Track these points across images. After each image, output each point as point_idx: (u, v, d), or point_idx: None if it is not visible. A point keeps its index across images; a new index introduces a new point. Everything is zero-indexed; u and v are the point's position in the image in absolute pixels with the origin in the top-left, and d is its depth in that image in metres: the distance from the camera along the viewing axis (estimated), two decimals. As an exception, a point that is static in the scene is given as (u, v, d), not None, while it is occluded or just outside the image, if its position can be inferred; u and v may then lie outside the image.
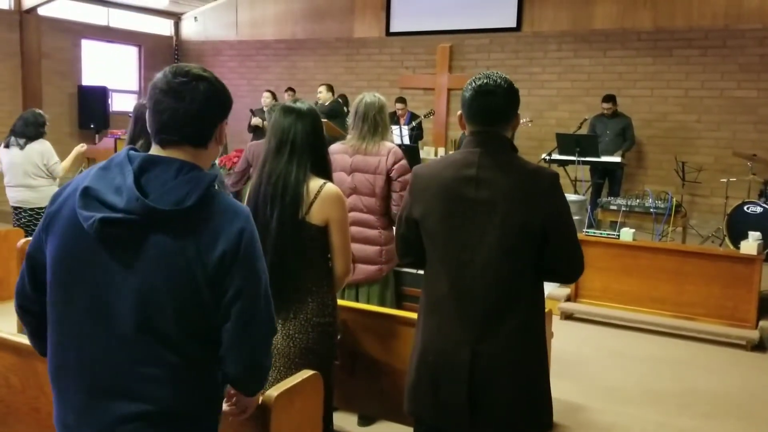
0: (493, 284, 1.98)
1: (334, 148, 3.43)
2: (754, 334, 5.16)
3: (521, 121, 7.89)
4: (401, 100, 9.23)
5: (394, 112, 9.04)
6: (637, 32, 8.70)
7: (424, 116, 9.19)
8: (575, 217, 6.66)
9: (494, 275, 1.97)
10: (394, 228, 3.59)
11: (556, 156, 7.83)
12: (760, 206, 6.63)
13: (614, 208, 6.57)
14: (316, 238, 2.39)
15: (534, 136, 9.16)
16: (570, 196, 7.15)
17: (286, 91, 10.02)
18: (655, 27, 8.59)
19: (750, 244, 5.39)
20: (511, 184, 1.98)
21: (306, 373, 1.94)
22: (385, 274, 3.43)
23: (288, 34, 11.28)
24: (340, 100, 8.97)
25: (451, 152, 3.96)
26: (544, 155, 7.99)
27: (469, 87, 2.05)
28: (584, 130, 8.29)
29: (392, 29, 10.43)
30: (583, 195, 7.77)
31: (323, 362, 2.32)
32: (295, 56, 11.27)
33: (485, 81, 2.02)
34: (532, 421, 2.03)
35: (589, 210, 7.28)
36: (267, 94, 9.49)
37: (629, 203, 6.53)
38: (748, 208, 6.71)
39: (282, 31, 11.31)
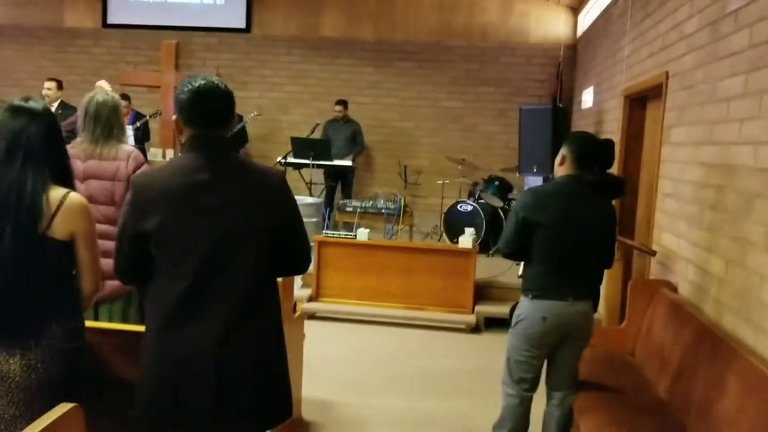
0: (237, 288, 1.96)
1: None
2: (471, 318, 5.83)
3: (252, 114, 7.77)
4: (125, 97, 8.48)
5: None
6: (362, 42, 9.22)
7: (150, 116, 8.63)
8: (312, 219, 6.86)
9: (238, 279, 1.96)
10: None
11: (291, 159, 7.94)
12: (470, 204, 7.48)
13: (350, 209, 6.91)
14: (60, 253, 2.07)
15: (268, 139, 9.20)
16: (306, 199, 7.34)
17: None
18: (377, 38, 9.20)
19: (466, 239, 6.08)
20: (245, 185, 2.01)
21: (64, 407, 1.67)
22: (128, 288, 3.13)
23: (-21, 19, 9.77)
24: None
25: (171, 159, 3.81)
26: (279, 158, 8.05)
27: (185, 89, 1.98)
28: (317, 134, 8.54)
29: (110, 20, 9.60)
30: (318, 198, 8.02)
31: (72, 393, 2.03)
32: (-9, 44, 9.78)
33: (203, 83, 1.98)
34: (275, 413, 2.07)
35: (324, 212, 7.53)
36: (51, 84, 7.25)
37: (363, 205, 6.91)
38: (460, 207, 7.53)
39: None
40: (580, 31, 8.70)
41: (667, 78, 4.28)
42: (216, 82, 2.00)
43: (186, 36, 9.47)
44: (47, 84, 7.25)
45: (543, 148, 6.60)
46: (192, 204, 1.93)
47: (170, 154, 9.07)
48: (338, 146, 8.36)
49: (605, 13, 6.76)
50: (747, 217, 2.88)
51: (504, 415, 3.21)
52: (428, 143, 9.19)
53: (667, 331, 3.33)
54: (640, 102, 5.39)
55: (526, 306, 3.10)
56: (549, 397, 3.22)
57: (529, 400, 3.18)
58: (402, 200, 7.01)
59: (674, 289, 3.73)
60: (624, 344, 3.73)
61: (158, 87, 9.48)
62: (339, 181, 8.62)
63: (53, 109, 7.33)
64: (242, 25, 9.37)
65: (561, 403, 3.17)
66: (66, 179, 2.14)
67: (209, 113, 1.97)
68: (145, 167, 3.20)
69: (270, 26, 9.37)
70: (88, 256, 2.13)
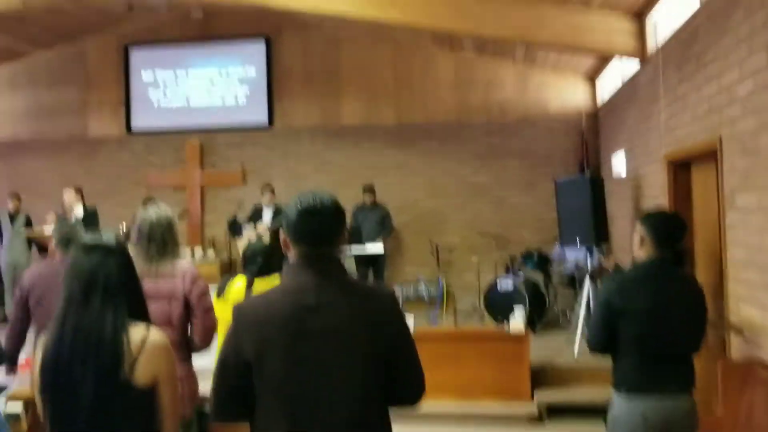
0: (347, 420, 1.80)
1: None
2: (532, 408, 5.49)
3: None
4: (149, 199, 8.53)
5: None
6: (383, 127, 9.25)
7: (178, 217, 8.59)
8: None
9: (348, 411, 1.80)
10: (192, 360, 3.14)
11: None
12: (511, 280, 7.25)
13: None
14: (144, 403, 1.89)
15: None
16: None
17: (10, 196, 8.67)
18: (398, 122, 9.23)
19: (517, 321, 5.82)
20: (354, 309, 1.87)
21: None
22: (188, 418, 2.92)
23: (8, 135, 9.95)
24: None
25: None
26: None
27: (294, 207, 1.91)
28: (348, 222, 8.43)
29: (134, 127, 9.73)
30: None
31: None
32: (18, 158, 9.91)
33: (311, 201, 1.90)
34: None
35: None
36: (70, 191, 7.51)
37: (404, 291, 6.71)
38: (500, 284, 7.30)
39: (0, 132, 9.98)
40: (599, 98, 8.68)
41: (721, 142, 4.13)
42: (326, 200, 1.90)
43: (209, 137, 9.56)
44: (66, 192, 7.39)
45: (583, 220, 6.43)
46: (296, 329, 1.80)
47: (198, 252, 8.99)
48: (368, 231, 8.24)
49: (631, 80, 6.72)
50: None
51: None
52: (458, 220, 9.05)
53: (774, 418, 3.04)
54: (685, 167, 5.24)
55: (620, 405, 2.84)
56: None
57: None
58: (444, 284, 6.80)
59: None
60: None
61: (184, 187, 9.50)
62: (371, 267, 8.43)
63: (75, 215, 7.36)
64: (264, 121, 9.45)
65: None
66: (142, 312, 1.99)
67: (318, 232, 1.88)
68: (201, 282, 3.06)
69: (291, 119, 9.45)
70: (171, 401, 1.95)
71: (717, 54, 4.19)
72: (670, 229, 2.94)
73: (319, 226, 1.89)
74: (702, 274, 4.90)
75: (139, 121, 9.71)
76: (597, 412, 5.29)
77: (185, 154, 9.55)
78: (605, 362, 3.01)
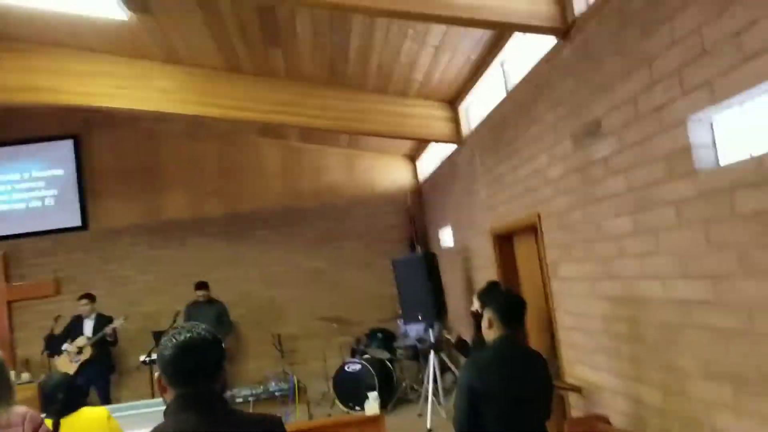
0: None
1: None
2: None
3: (121, 320, 7.00)
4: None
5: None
6: (209, 219, 9.00)
7: (-17, 339, 7.61)
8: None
9: None
10: None
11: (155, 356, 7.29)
12: (358, 363, 7.27)
13: (241, 399, 6.37)
14: None
15: (125, 336, 8.39)
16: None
17: None
18: (226, 213, 9.04)
19: (372, 405, 5.80)
20: None
21: None
22: None
23: None
24: None
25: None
26: (143, 357, 7.38)
27: (169, 344, 1.81)
28: (180, 322, 7.97)
29: None
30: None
31: None
32: None
33: (188, 336, 1.82)
34: None
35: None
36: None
37: (254, 392, 6.43)
38: (348, 367, 7.29)
39: None
40: (421, 176, 9.23)
41: (540, 218, 4.56)
42: (202, 333, 1.83)
43: (14, 245, 8.65)
44: None
45: (422, 295, 6.69)
46: None
47: (12, 374, 7.95)
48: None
49: (450, 160, 7.23)
50: (672, 346, 3.01)
51: None
52: (297, 307, 8.94)
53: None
54: (508, 239, 5.70)
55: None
56: None
57: None
58: (295, 378, 6.64)
59: (607, 421, 3.77)
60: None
61: (-12, 305, 8.45)
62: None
63: None
64: (77, 222, 8.78)
65: None
66: None
67: (196, 369, 1.79)
68: (44, 426, 2.73)
69: (109, 219, 8.87)
70: None
71: (527, 140, 4.67)
72: (513, 309, 3.16)
73: (197, 363, 1.80)
74: (535, 339, 5.28)
75: (-75, 235, 8.57)
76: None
77: (-13, 268, 8.55)
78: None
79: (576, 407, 4.38)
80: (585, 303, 3.99)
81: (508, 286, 4.80)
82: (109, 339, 7.53)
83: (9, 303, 8.56)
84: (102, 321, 7.61)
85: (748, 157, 2.45)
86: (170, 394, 1.80)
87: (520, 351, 3.14)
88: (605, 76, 3.39)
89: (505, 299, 3.27)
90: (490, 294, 3.90)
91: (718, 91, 2.50)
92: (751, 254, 2.41)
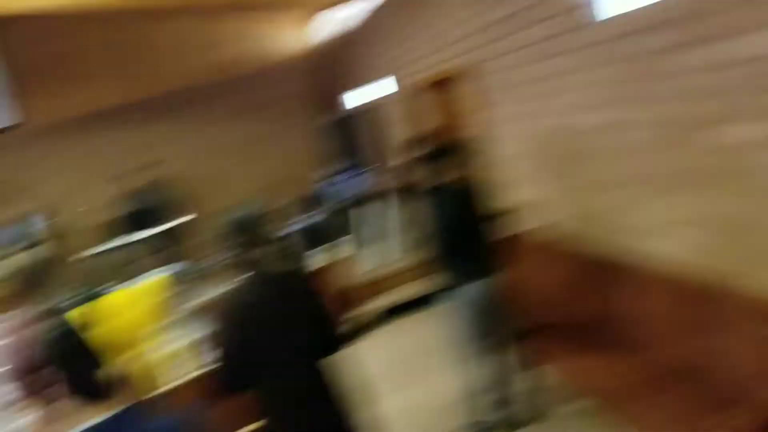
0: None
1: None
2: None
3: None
4: None
5: None
6: (130, 104, 8.97)
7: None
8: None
9: None
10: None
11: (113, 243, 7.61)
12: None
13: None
14: None
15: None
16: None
17: None
18: (147, 93, 8.98)
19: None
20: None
21: None
22: None
23: None
24: None
25: None
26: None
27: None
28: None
29: None
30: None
31: None
32: None
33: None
34: None
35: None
36: None
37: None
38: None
39: None
40: (324, 38, 9.37)
41: (470, 67, 5.10)
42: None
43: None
44: None
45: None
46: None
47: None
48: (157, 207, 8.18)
49: (364, 18, 7.53)
50: (590, 162, 3.81)
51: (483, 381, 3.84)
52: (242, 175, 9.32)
53: (563, 265, 4.21)
54: (441, 84, 6.14)
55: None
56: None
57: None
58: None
59: (546, 231, 4.62)
60: (532, 290, 4.54)
61: None
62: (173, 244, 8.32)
63: None
64: (7, 120, 8.51)
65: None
66: None
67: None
68: None
69: (38, 112, 8.57)
70: None
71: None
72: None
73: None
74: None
75: None
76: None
77: None
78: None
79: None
80: (517, 136, 4.71)
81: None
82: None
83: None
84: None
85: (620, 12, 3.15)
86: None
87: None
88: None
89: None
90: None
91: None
92: (630, 86, 3.16)
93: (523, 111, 4.47)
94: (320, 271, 6.25)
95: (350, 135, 7.41)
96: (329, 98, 9.32)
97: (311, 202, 8.39)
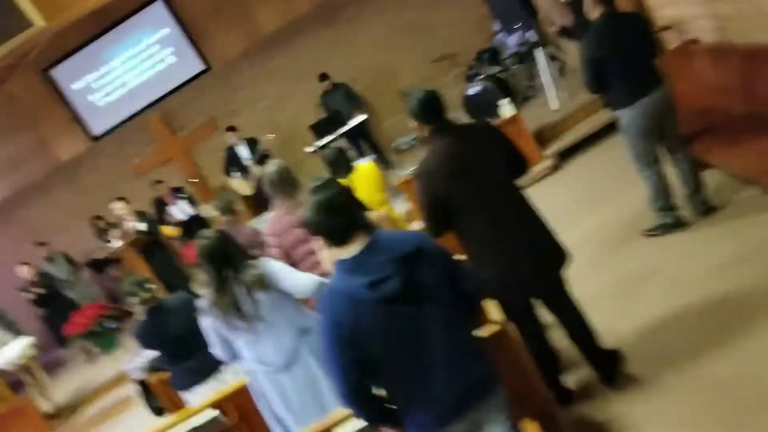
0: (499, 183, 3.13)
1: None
2: (548, 163, 6.94)
3: (268, 137, 8.25)
4: (158, 182, 9.37)
5: (159, 199, 9.22)
6: (300, 18, 9.95)
7: (190, 183, 9.52)
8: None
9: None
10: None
11: (320, 143, 8.82)
12: (476, 84, 8.41)
13: (405, 147, 7.95)
14: None
15: (290, 140, 9.99)
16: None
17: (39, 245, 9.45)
18: (309, 6, 9.89)
19: (506, 108, 7.11)
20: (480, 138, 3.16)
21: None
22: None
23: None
24: None
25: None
26: (308, 149, 8.95)
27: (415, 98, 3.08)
28: (322, 113, 9.39)
29: (96, 133, 10.34)
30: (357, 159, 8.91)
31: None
32: (13, 214, 10.53)
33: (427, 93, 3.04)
34: None
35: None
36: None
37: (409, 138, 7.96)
38: (470, 91, 8.46)
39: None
40: None
41: None
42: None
43: (164, 105, 10.23)
44: (115, 207, 8.25)
45: (514, 5, 7.58)
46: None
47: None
48: (342, 109, 9.22)
49: None
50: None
51: (654, 189, 4.36)
52: (407, 62, 10.04)
53: (718, 69, 4.47)
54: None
55: (627, 114, 4.19)
56: (674, 160, 4.35)
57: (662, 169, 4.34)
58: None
59: (698, 42, 4.85)
60: (692, 99, 4.86)
61: (170, 159, 10.27)
62: (360, 138, 9.41)
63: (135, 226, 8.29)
64: (201, 66, 10.11)
65: (684, 157, 4.31)
66: None
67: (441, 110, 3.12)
68: None
69: (223, 53, 10.08)
70: None
71: None
72: None
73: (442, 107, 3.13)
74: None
75: (97, 127, 10.31)
76: (595, 137, 6.82)
77: (154, 132, 10.25)
78: (577, 104, 4.27)
79: (672, 42, 5.45)
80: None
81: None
82: (265, 154, 8.95)
83: (185, 150, 10.36)
84: (251, 143, 8.98)
85: None
86: (424, 130, 3.12)
87: (622, 16, 4.19)
88: None
89: None
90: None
91: None
92: None
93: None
94: (512, 120, 6.89)
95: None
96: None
97: (491, 55, 8.89)
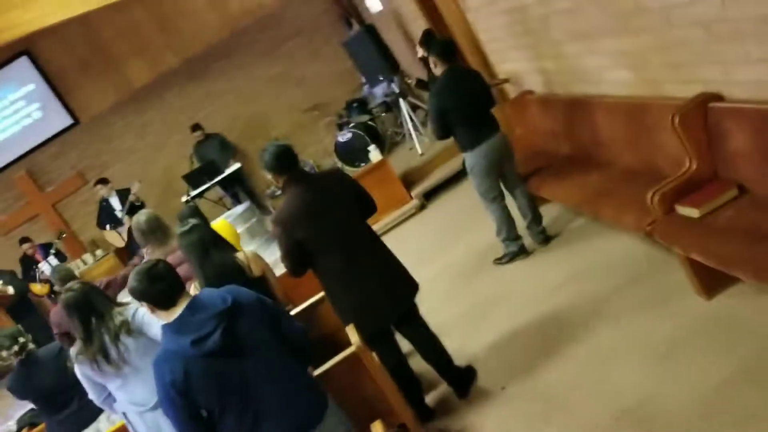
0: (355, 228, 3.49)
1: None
2: (415, 203, 7.45)
3: (136, 184, 8.26)
4: (25, 240, 9.08)
5: (28, 257, 8.92)
6: (172, 71, 10.06)
7: (57, 239, 9.26)
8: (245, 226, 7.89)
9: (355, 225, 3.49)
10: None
11: (194, 192, 8.92)
12: (347, 132, 8.88)
13: (280, 193, 8.21)
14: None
15: (161, 190, 10.00)
16: (236, 210, 8.43)
17: None
18: (181, 59, 10.02)
19: (374, 154, 7.62)
20: (336, 185, 3.50)
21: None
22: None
23: None
24: None
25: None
26: (184, 198, 9.02)
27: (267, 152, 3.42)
28: (195, 163, 9.51)
29: (-47, 190, 9.83)
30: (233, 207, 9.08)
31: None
32: None
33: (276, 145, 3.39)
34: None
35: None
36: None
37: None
38: (341, 138, 8.94)
39: None
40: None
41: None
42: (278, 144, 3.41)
43: (30, 161, 9.92)
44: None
45: (377, 61, 8.16)
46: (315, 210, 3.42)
47: (89, 258, 9.72)
48: (216, 159, 9.36)
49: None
50: (549, 28, 4.63)
51: (498, 222, 4.89)
52: (279, 111, 10.40)
53: (547, 116, 5.13)
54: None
55: (471, 156, 4.71)
56: (514, 196, 4.92)
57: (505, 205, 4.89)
58: (311, 161, 8.44)
59: (532, 92, 5.53)
60: (528, 142, 5.51)
61: (37, 215, 9.95)
62: (237, 186, 9.60)
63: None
64: (69, 121, 9.92)
65: (522, 193, 4.89)
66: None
67: (293, 160, 3.40)
68: None
69: (92, 107, 9.96)
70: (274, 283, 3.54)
71: None
72: (448, 47, 4.71)
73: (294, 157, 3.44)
74: (467, 55, 6.88)
75: (-46, 185, 9.81)
76: (455, 178, 7.41)
77: (20, 188, 9.90)
78: (439, 148, 4.77)
79: (511, 92, 6.14)
80: (490, 19, 5.54)
81: (431, 30, 6.28)
82: (137, 204, 8.83)
83: (53, 206, 10.07)
84: (122, 194, 8.93)
85: None
86: (279, 180, 3.43)
87: (463, 72, 4.74)
88: None
89: (440, 42, 4.80)
90: (429, 40, 5.37)
91: None
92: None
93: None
94: (380, 164, 7.35)
95: (377, 42, 8.19)
96: (352, 11, 10.04)
97: (359, 105, 9.41)
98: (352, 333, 3.26)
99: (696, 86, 3.36)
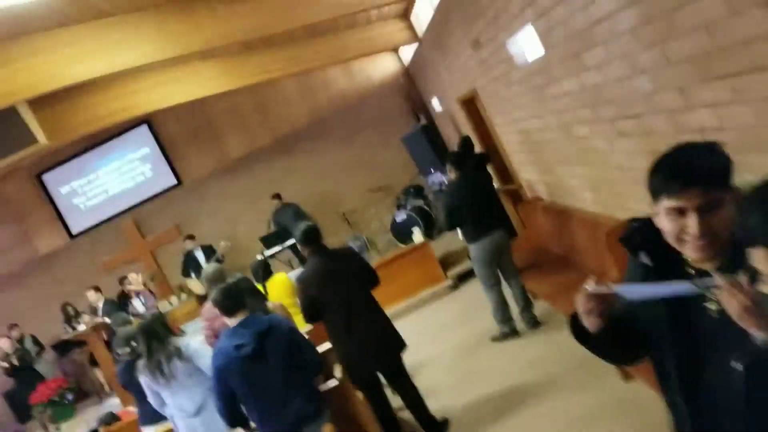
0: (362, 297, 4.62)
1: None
2: (448, 282, 8.50)
3: (222, 245, 9.78)
4: (123, 278, 10.70)
5: (123, 293, 10.52)
6: (262, 148, 11.76)
7: (150, 280, 10.86)
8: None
9: (363, 294, 4.62)
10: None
11: (269, 252, 10.32)
12: (404, 213, 10.16)
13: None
14: None
15: (242, 249, 11.52)
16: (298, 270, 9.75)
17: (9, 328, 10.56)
18: (273, 138, 11.76)
19: (417, 236, 8.78)
20: (345, 262, 4.68)
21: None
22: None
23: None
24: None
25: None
26: (258, 256, 10.43)
27: (299, 230, 4.63)
28: (272, 227, 10.98)
29: (74, 231, 11.74)
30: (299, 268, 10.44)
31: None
32: (-11, 299, 11.67)
33: (307, 226, 4.63)
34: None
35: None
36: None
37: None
38: (397, 218, 10.21)
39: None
40: (406, 61, 11.65)
41: (476, 91, 7.15)
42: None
43: (137, 212, 11.75)
44: (88, 294, 9.57)
45: (430, 154, 9.43)
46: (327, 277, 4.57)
47: (174, 300, 11.25)
48: (291, 226, 10.77)
49: (417, 53, 9.69)
50: (543, 151, 5.73)
51: (494, 305, 5.88)
52: (349, 189, 11.83)
53: (547, 219, 6.15)
54: (470, 103, 8.25)
55: (474, 248, 5.79)
56: (509, 285, 5.90)
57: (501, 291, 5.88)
58: (364, 236, 9.71)
59: (541, 199, 6.57)
60: (532, 239, 6.53)
61: (137, 259, 11.67)
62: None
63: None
64: (173, 181, 11.74)
65: (516, 283, 5.88)
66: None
67: (316, 235, 4.63)
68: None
69: (194, 172, 11.76)
70: None
71: (452, 40, 7.17)
72: (459, 157, 5.87)
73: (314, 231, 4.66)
74: (499, 162, 8.00)
75: (76, 226, 11.73)
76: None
77: (125, 233, 11.71)
78: None
79: (528, 195, 7.20)
80: (509, 136, 6.68)
81: (468, 137, 7.52)
82: (220, 259, 10.45)
83: (152, 252, 11.79)
84: (207, 249, 10.59)
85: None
86: (305, 251, 4.64)
87: (474, 177, 5.87)
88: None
89: (454, 153, 5.96)
90: (462, 145, 6.57)
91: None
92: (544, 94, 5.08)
93: (508, 121, 6.44)
94: (421, 246, 8.52)
95: (431, 139, 9.53)
96: (420, 107, 11.51)
97: (415, 190, 10.68)
98: (337, 369, 4.36)
99: (628, 213, 4.35)
